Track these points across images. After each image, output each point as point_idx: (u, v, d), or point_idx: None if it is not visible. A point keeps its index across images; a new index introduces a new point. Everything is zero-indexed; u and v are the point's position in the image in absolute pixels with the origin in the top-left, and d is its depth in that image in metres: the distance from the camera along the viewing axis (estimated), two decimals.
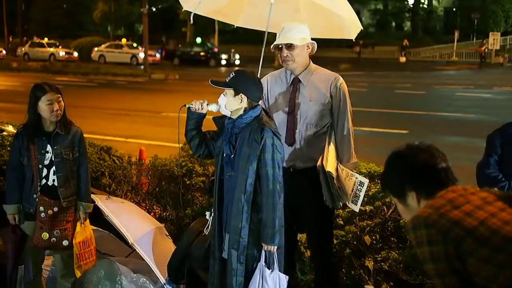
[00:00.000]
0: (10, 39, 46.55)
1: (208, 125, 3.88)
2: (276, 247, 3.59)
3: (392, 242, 4.65)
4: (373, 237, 4.60)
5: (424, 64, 39.48)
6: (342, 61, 35.88)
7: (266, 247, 3.58)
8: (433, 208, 2.13)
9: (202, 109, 3.74)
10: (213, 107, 3.75)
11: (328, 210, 4.16)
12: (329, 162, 3.95)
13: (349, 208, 4.41)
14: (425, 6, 55.88)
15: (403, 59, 35.88)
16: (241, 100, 3.60)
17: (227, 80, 3.64)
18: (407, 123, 14.46)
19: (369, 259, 4.57)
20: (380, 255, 4.57)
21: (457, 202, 2.13)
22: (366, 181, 4.01)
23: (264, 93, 4.10)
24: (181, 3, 4.87)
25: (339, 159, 4.09)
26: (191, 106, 3.75)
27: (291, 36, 4.02)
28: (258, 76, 4.22)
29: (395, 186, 2.35)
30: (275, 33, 4.27)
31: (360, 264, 4.61)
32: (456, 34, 42.14)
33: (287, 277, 3.72)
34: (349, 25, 4.71)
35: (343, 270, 4.62)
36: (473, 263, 2.03)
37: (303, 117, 4.07)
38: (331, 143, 4.07)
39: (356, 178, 4.01)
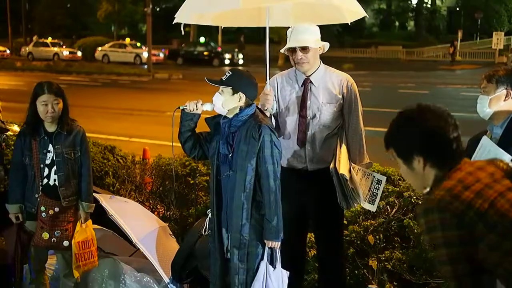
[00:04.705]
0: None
1: (202, 126, 3.86)
2: (279, 243, 3.60)
3: (396, 241, 4.66)
4: (377, 237, 4.61)
5: (427, 63, 39.38)
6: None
7: (270, 243, 3.59)
8: (444, 190, 2.05)
9: (197, 109, 3.70)
10: (208, 107, 3.71)
11: (339, 211, 4.15)
12: (342, 164, 3.92)
13: (353, 208, 4.40)
14: (428, 5, 55.78)
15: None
16: (240, 98, 3.60)
17: (224, 79, 3.62)
18: None
19: (373, 258, 4.57)
20: (383, 255, 4.57)
21: (467, 181, 2.06)
22: (383, 178, 4.08)
23: (274, 93, 4.08)
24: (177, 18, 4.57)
25: (352, 160, 4.05)
26: (185, 107, 3.72)
27: (306, 38, 3.97)
28: (267, 76, 4.19)
29: (402, 148, 2.25)
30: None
31: (364, 264, 4.61)
32: (460, 34, 42.04)
33: (288, 272, 3.73)
34: (340, 8, 4.47)
35: (347, 269, 4.62)
36: (482, 249, 1.97)
37: (315, 119, 4.03)
38: (343, 145, 4.03)
39: (374, 176, 4.06)
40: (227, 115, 3.67)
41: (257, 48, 33.15)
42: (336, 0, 4.34)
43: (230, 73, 3.65)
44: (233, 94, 3.60)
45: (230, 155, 3.62)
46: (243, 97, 3.60)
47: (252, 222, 3.59)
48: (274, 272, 3.63)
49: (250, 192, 3.56)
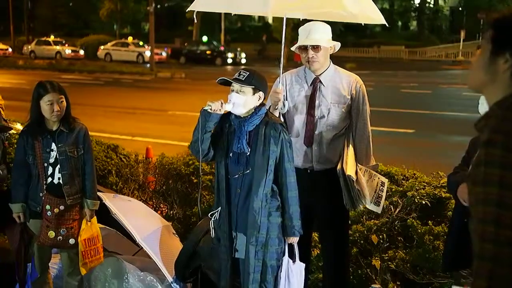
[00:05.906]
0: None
1: None
2: (298, 238, 3.67)
3: (399, 241, 4.66)
4: (380, 236, 4.61)
5: (430, 63, 39.36)
6: None
7: (291, 239, 3.65)
8: None
9: (221, 109, 3.55)
10: (229, 106, 3.57)
11: (344, 211, 4.16)
12: (349, 165, 3.92)
13: (358, 208, 4.40)
14: (431, 5, 55.76)
15: None
16: (259, 97, 3.59)
17: (242, 79, 3.55)
18: (413, 122, 14.43)
19: (376, 258, 4.57)
20: (387, 254, 4.57)
21: None
22: (386, 180, 4.10)
23: (283, 92, 4.08)
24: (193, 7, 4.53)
25: (358, 161, 4.05)
26: (209, 108, 3.52)
27: (318, 37, 3.96)
28: (281, 74, 4.17)
29: (502, 35, 1.82)
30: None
31: (367, 263, 4.61)
32: (462, 34, 41.97)
33: (304, 264, 3.79)
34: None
35: (350, 269, 4.62)
36: None
37: (323, 118, 4.02)
38: (350, 146, 4.03)
39: (378, 178, 4.07)
40: (243, 115, 3.61)
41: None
42: (356, 9, 4.21)
43: (248, 72, 3.58)
44: (254, 93, 3.56)
45: (248, 153, 3.59)
46: (262, 96, 3.61)
47: (269, 220, 3.61)
48: (294, 266, 3.69)
49: (269, 190, 3.58)
